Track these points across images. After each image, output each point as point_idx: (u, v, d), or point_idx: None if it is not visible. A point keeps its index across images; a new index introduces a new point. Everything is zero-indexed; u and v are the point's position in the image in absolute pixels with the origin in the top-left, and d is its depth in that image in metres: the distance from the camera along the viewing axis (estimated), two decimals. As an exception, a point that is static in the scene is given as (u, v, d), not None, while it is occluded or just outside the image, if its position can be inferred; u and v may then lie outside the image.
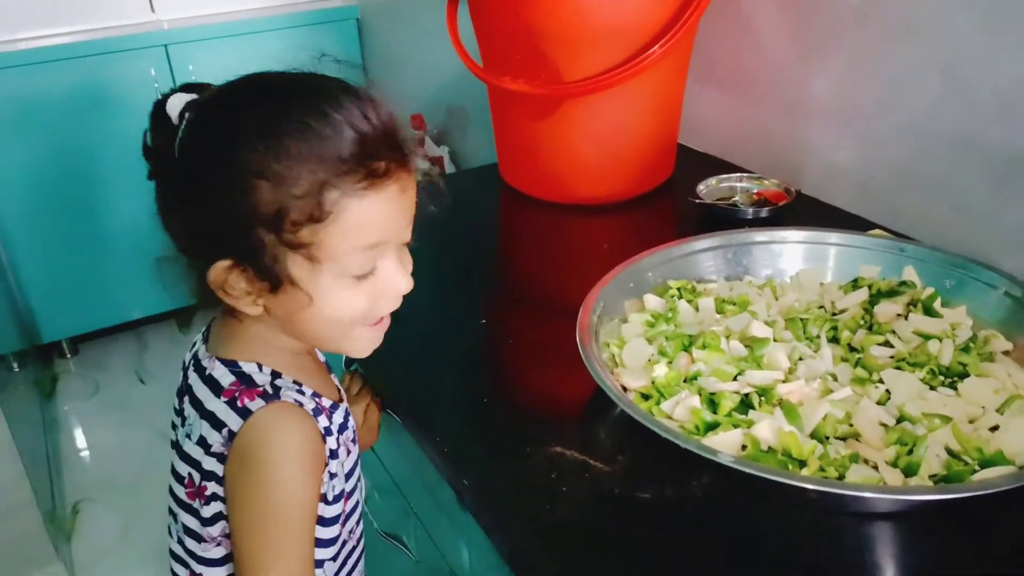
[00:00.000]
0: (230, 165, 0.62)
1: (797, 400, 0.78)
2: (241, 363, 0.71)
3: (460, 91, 2.22)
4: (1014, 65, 0.98)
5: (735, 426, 0.74)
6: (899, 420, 0.75)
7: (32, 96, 2.27)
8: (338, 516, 0.75)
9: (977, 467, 0.69)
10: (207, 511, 0.71)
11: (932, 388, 0.79)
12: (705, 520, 0.69)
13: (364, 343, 0.73)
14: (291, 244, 0.64)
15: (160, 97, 0.68)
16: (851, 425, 0.75)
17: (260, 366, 0.71)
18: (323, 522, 0.74)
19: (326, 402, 0.74)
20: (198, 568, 0.75)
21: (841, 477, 0.69)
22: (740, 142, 1.39)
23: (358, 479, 0.81)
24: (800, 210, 1.19)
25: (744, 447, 0.73)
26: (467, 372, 0.92)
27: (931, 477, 0.69)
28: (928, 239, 1.07)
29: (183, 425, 0.72)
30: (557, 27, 1.13)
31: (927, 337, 0.85)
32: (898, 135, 1.13)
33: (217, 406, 0.69)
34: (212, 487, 0.70)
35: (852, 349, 0.86)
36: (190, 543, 0.74)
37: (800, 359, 0.84)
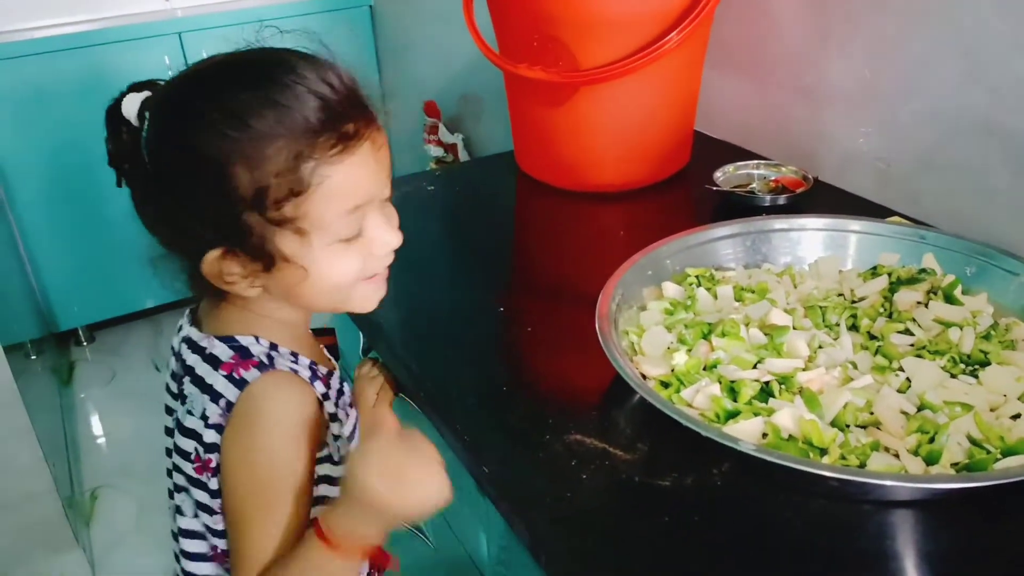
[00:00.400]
0: (202, 157, 0.63)
1: (817, 388, 0.77)
2: (239, 337, 0.72)
3: (474, 78, 2.21)
4: (1037, 50, 0.97)
5: (755, 414, 0.74)
6: (920, 408, 0.75)
7: (48, 84, 2.28)
8: None
9: (999, 456, 0.69)
10: (214, 483, 0.72)
11: (953, 376, 0.79)
12: (725, 508, 0.69)
13: (368, 299, 0.74)
14: (277, 221, 0.64)
15: (112, 102, 0.68)
16: (871, 413, 0.75)
17: (257, 338, 0.72)
18: (331, 481, 0.75)
19: (323, 370, 0.76)
20: (214, 541, 0.75)
21: (862, 465, 0.69)
22: (757, 129, 1.39)
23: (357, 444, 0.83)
24: (818, 197, 1.18)
25: (764, 435, 0.73)
26: (486, 360, 0.93)
27: (952, 465, 0.69)
28: (948, 226, 1.06)
29: (183, 404, 0.73)
30: (574, 14, 1.13)
31: (948, 325, 0.85)
32: (918, 121, 1.12)
33: (216, 380, 0.70)
34: (216, 459, 0.71)
35: (872, 337, 0.86)
36: (204, 517, 0.74)
37: (820, 347, 0.83)
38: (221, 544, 0.75)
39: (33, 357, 2.32)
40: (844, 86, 1.22)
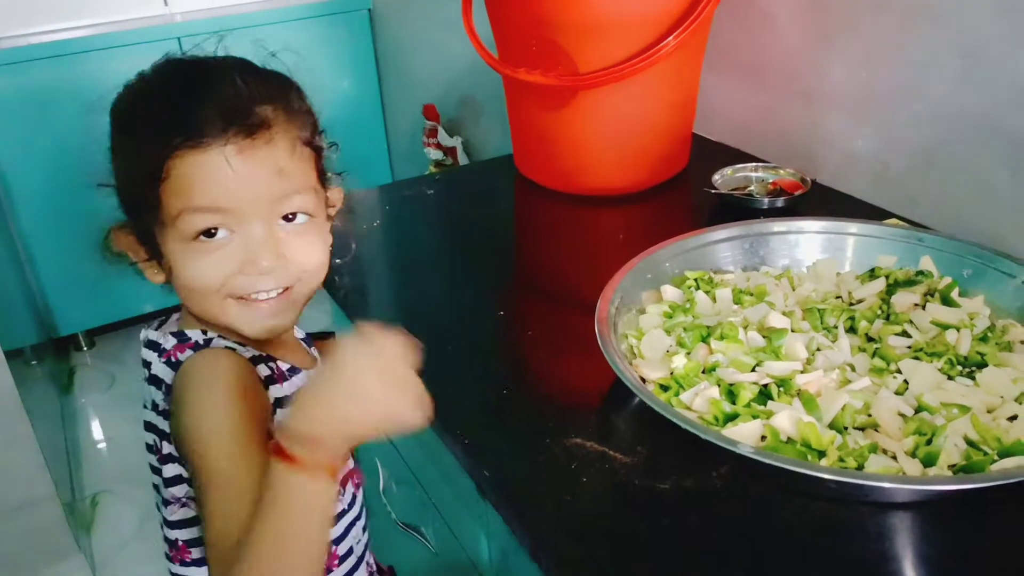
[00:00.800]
0: (115, 122, 0.71)
1: (815, 391, 0.78)
2: (187, 331, 0.72)
3: (473, 81, 2.22)
4: (1034, 52, 0.97)
5: (754, 417, 0.75)
6: (917, 410, 0.75)
7: (48, 90, 2.28)
8: None
9: (996, 457, 0.69)
10: (167, 471, 0.71)
11: (950, 378, 0.79)
12: (724, 511, 0.70)
13: (239, 320, 0.71)
14: (145, 205, 0.68)
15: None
16: (869, 415, 0.75)
17: (205, 331, 0.72)
18: None
19: (283, 364, 0.75)
20: (167, 532, 0.75)
21: (860, 467, 0.70)
22: (755, 131, 1.39)
23: None
24: (816, 200, 1.18)
25: (763, 438, 0.74)
26: (486, 364, 0.93)
27: (950, 467, 0.69)
28: (945, 228, 1.06)
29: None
30: (573, 18, 1.13)
31: (945, 327, 0.85)
32: (916, 122, 1.13)
33: (159, 368, 0.71)
34: (167, 447, 0.70)
35: (870, 339, 0.86)
36: (163, 509, 0.74)
37: (818, 349, 0.84)
38: (170, 535, 0.74)
39: (33, 363, 2.32)
40: (842, 88, 1.22)
